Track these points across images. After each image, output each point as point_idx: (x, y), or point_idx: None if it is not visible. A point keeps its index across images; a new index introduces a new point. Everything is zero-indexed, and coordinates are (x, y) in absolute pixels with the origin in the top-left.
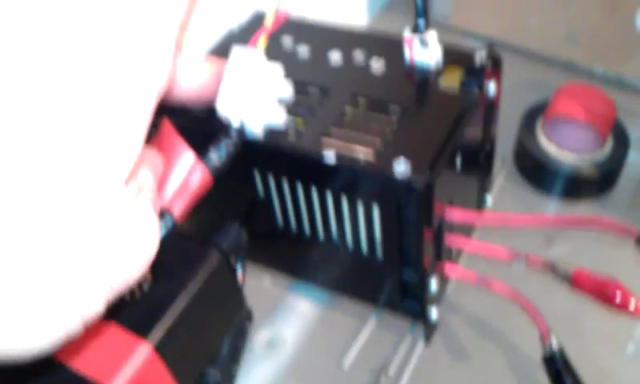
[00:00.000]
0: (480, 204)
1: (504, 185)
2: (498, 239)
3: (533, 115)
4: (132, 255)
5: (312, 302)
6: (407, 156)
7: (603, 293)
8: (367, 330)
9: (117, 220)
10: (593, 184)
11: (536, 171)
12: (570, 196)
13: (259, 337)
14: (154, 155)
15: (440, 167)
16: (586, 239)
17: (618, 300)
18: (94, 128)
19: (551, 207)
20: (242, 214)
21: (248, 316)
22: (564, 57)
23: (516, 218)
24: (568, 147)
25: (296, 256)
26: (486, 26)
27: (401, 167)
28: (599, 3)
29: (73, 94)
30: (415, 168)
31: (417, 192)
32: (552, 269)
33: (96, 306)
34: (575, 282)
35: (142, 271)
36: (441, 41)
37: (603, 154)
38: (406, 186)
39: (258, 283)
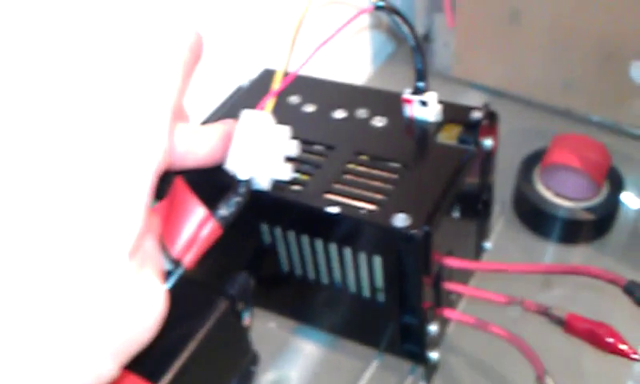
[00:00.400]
0: (479, 249)
1: (503, 230)
2: (497, 282)
3: (531, 162)
4: (139, 322)
5: (317, 344)
6: (406, 209)
7: (595, 337)
8: (369, 371)
9: (122, 292)
10: (589, 229)
11: (534, 217)
12: (567, 240)
13: (265, 378)
14: (156, 222)
15: (437, 219)
16: (582, 284)
17: (609, 344)
18: (93, 207)
19: (549, 251)
20: (250, 261)
21: (254, 359)
22: (562, 105)
23: (510, 267)
24: (564, 194)
25: (301, 301)
26: (486, 76)
27: (400, 220)
28: (595, 54)
29: (73, 173)
30: (414, 221)
31: (415, 243)
32: (546, 313)
33: (109, 370)
34: (568, 326)
35: (152, 334)
36: (443, 91)
37: (598, 200)
38: (405, 237)
39: (264, 326)
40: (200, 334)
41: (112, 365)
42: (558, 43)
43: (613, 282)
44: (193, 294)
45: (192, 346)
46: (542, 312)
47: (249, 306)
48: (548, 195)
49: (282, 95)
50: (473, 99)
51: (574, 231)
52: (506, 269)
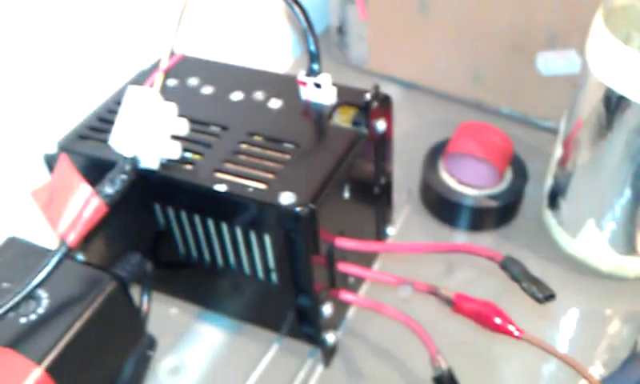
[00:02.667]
0: (381, 235)
1: (409, 218)
2: (401, 269)
3: (436, 151)
4: None
5: (220, 330)
6: (293, 188)
7: (481, 316)
8: (269, 355)
9: None
10: (493, 216)
11: (439, 205)
12: (472, 228)
13: (164, 363)
14: None
15: (324, 198)
16: (482, 269)
17: (495, 324)
18: None
19: (454, 239)
20: (148, 245)
21: (151, 344)
22: (472, 97)
23: (396, 247)
24: (467, 181)
25: (201, 285)
26: (400, 69)
27: (286, 198)
28: (502, 46)
29: None
30: (299, 198)
31: (301, 221)
32: (435, 293)
33: None
34: (456, 306)
35: None
36: (359, 84)
37: (501, 188)
38: (290, 215)
39: (165, 312)
40: (86, 314)
41: None
42: (466, 36)
43: (490, 258)
44: (81, 274)
45: (77, 326)
46: (431, 292)
47: (145, 289)
48: (451, 183)
49: (181, 77)
50: (387, 92)
51: (477, 218)
52: (393, 249)
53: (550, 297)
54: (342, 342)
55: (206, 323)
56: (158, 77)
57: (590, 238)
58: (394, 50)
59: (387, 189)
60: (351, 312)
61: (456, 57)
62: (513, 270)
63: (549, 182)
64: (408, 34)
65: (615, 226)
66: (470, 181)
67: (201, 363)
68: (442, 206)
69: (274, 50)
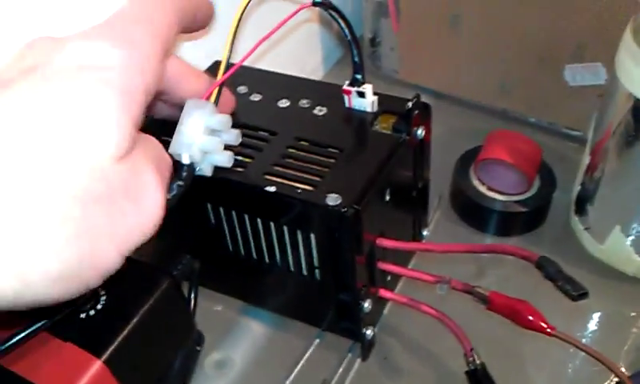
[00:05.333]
0: (416, 237)
1: (441, 222)
2: (433, 270)
3: (467, 159)
4: (135, 219)
5: (263, 325)
6: (339, 190)
7: (516, 314)
8: (311, 350)
9: (110, 192)
10: (521, 221)
11: (469, 210)
12: (500, 233)
13: (210, 358)
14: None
15: (368, 200)
16: (513, 270)
17: (529, 321)
18: (77, 117)
19: (484, 242)
20: (198, 242)
21: (198, 339)
22: (499, 107)
23: (435, 246)
24: (497, 188)
25: (247, 282)
26: (429, 79)
27: (332, 200)
28: (530, 58)
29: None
30: (345, 200)
31: (346, 221)
32: (471, 292)
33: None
34: (491, 303)
35: (149, 231)
36: (390, 93)
37: (530, 194)
38: (336, 215)
39: (211, 309)
40: (142, 310)
41: (116, 256)
42: (496, 47)
43: (526, 258)
44: (137, 273)
45: (134, 321)
46: (467, 290)
47: (194, 287)
48: (482, 189)
49: (231, 85)
50: None
51: (506, 223)
52: (431, 248)
53: (583, 295)
54: (378, 338)
55: (251, 318)
56: (215, 90)
57: (616, 244)
58: (424, 60)
59: (424, 193)
60: (386, 309)
61: (484, 67)
62: (548, 268)
63: (576, 189)
64: (438, 45)
65: None
66: (500, 187)
67: (245, 357)
68: (472, 211)
69: (306, 62)
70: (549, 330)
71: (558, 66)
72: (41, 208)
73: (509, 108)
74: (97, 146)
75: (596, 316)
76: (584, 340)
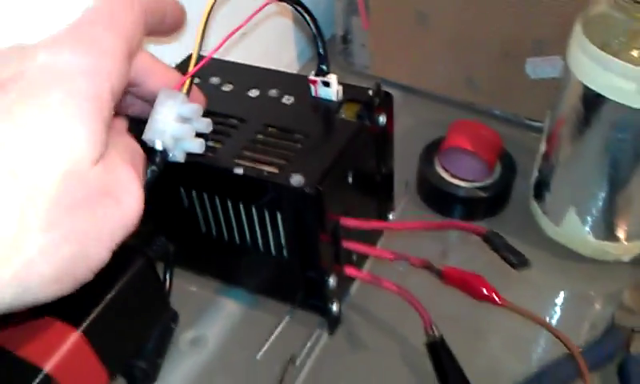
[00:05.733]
0: (383, 220)
1: (407, 208)
2: (399, 250)
3: (431, 148)
4: (115, 215)
5: (237, 303)
6: (303, 171)
7: (469, 286)
8: (281, 325)
9: (89, 193)
10: (484, 206)
11: (434, 197)
12: (464, 218)
13: (184, 336)
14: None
15: (330, 181)
16: (475, 252)
17: (481, 293)
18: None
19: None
20: (172, 225)
21: (174, 317)
22: (466, 100)
23: (393, 225)
24: (460, 175)
25: (219, 261)
26: (399, 74)
27: (296, 180)
28: (494, 52)
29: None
30: (307, 180)
31: (309, 200)
32: (427, 267)
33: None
34: (446, 278)
35: (131, 223)
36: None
37: (491, 180)
38: (300, 195)
39: (187, 288)
40: (118, 286)
41: (105, 252)
42: (461, 43)
43: (476, 232)
44: (114, 252)
45: (110, 296)
46: (424, 266)
47: (169, 267)
48: (446, 176)
49: (204, 76)
50: None
51: (469, 209)
52: (391, 226)
53: (524, 263)
54: (345, 315)
55: (225, 298)
56: (188, 80)
57: (571, 226)
58: (394, 56)
59: (389, 179)
60: (354, 288)
61: (451, 62)
62: (494, 240)
63: (535, 175)
64: (406, 41)
65: (594, 213)
66: (462, 174)
67: (219, 335)
68: (436, 198)
69: (282, 57)
70: (499, 301)
71: (520, 61)
72: (28, 218)
73: (475, 101)
74: (73, 153)
75: (555, 295)
76: (549, 320)
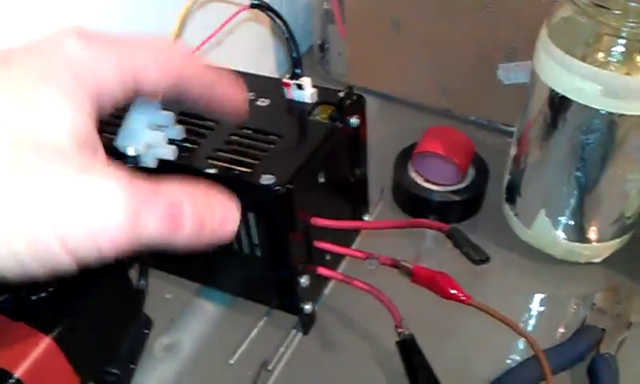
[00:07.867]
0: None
1: (383, 213)
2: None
3: (405, 154)
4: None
5: (213, 305)
6: (274, 171)
7: (436, 285)
8: (257, 328)
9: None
10: (457, 210)
11: (409, 201)
12: (438, 221)
13: (160, 341)
14: None
15: (300, 180)
16: (449, 255)
17: (448, 292)
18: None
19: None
20: None
21: (147, 323)
22: (441, 106)
23: (363, 224)
24: (433, 179)
25: (196, 263)
26: (375, 82)
27: (266, 180)
28: (467, 60)
29: None
30: (278, 180)
31: (279, 199)
32: (397, 266)
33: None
34: (414, 275)
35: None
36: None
37: (464, 184)
38: (270, 194)
39: (162, 295)
40: (90, 291)
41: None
42: (435, 51)
43: (439, 229)
44: None
45: (82, 302)
46: (394, 265)
47: (143, 274)
48: (419, 181)
49: None
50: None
51: (443, 212)
52: (361, 226)
53: (484, 259)
54: (319, 315)
55: (202, 300)
56: None
57: (542, 228)
58: (370, 64)
59: (363, 181)
60: (328, 289)
61: (425, 70)
62: (456, 237)
63: (506, 178)
64: (381, 50)
65: (564, 215)
66: (436, 179)
67: (194, 340)
68: (411, 202)
69: (264, 64)
70: (465, 299)
71: (493, 67)
72: None
73: (450, 107)
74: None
75: (528, 296)
76: (517, 321)
